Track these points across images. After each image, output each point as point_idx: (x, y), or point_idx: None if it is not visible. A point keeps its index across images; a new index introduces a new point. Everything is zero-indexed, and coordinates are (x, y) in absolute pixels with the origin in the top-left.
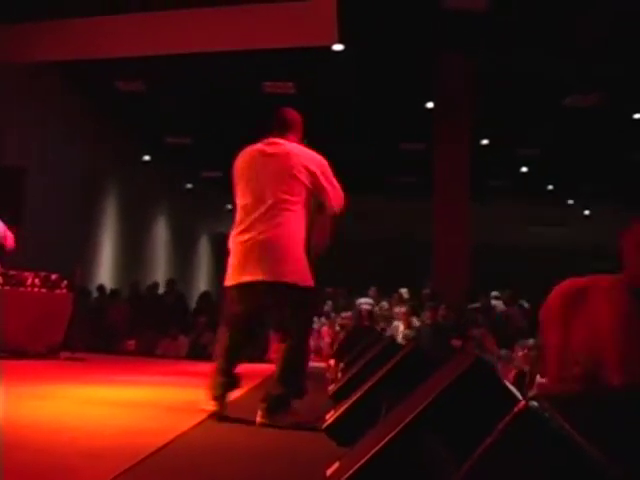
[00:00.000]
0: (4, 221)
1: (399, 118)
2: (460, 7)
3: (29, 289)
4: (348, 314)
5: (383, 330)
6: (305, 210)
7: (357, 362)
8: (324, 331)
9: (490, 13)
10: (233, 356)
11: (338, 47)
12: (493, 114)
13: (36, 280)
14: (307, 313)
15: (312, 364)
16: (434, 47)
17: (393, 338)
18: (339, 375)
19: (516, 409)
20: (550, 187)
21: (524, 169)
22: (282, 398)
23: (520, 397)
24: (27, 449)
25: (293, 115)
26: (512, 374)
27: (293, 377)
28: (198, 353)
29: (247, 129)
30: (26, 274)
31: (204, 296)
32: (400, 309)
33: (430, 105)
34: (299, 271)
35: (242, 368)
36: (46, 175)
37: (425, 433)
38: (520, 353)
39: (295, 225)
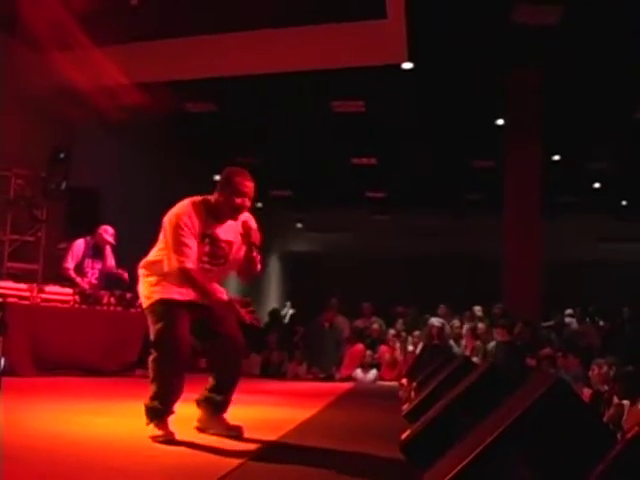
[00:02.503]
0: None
1: (469, 135)
2: (531, 22)
3: (105, 308)
4: (417, 333)
5: (451, 347)
6: None
7: (430, 381)
8: (394, 349)
9: (560, 27)
10: None
11: (407, 65)
12: (564, 129)
13: (111, 299)
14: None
15: (384, 383)
16: (504, 63)
17: (466, 357)
18: (412, 394)
19: (629, 435)
20: (624, 202)
21: (597, 185)
22: (152, 410)
23: (599, 417)
24: (101, 467)
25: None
26: (589, 394)
27: (159, 391)
28: (270, 371)
29: (316, 148)
30: (102, 293)
31: (274, 314)
32: (466, 326)
33: (500, 122)
34: None
35: (314, 387)
36: (118, 196)
37: (508, 452)
38: (596, 372)
39: None
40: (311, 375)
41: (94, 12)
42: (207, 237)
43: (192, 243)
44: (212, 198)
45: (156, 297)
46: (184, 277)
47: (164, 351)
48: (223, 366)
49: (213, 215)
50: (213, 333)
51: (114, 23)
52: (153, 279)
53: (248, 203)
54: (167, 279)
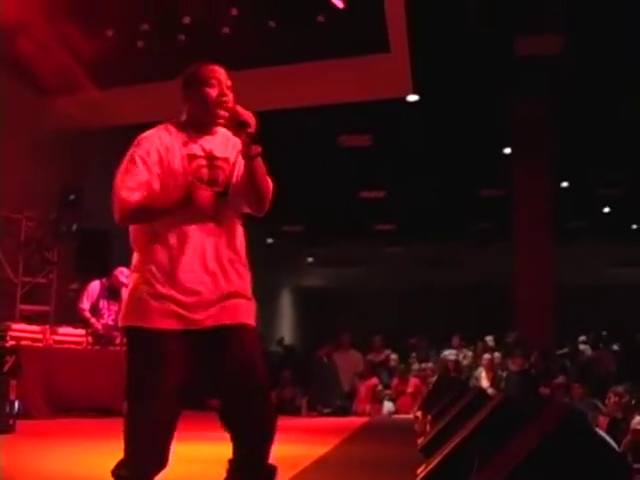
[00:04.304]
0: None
1: (477, 165)
2: (534, 52)
3: (118, 348)
4: (429, 365)
5: (467, 379)
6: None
7: (445, 414)
8: (411, 383)
9: (564, 56)
10: None
11: (413, 98)
12: (572, 156)
13: (124, 339)
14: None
15: (399, 416)
16: (508, 93)
17: (481, 389)
18: (427, 427)
19: None
20: (634, 226)
21: (606, 209)
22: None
23: (614, 449)
24: None
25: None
26: (605, 422)
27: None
28: (284, 408)
29: (325, 182)
30: (115, 333)
31: (288, 350)
32: (486, 356)
33: (508, 150)
34: None
35: (329, 423)
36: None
37: None
38: (612, 400)
39: None
40: (316, 412)
41: (101, 57)
42: (198, 157)
43: (142, 171)
44: (182, 115)
45: (131, 321)
46: (134, 218)
47: (138, 408)
48: (248, 432)
49: (192, 128)
50: (230, 383)
51: (121, 66)
52: (131, 282)
53: (226, 91)
54: (152, 284)
